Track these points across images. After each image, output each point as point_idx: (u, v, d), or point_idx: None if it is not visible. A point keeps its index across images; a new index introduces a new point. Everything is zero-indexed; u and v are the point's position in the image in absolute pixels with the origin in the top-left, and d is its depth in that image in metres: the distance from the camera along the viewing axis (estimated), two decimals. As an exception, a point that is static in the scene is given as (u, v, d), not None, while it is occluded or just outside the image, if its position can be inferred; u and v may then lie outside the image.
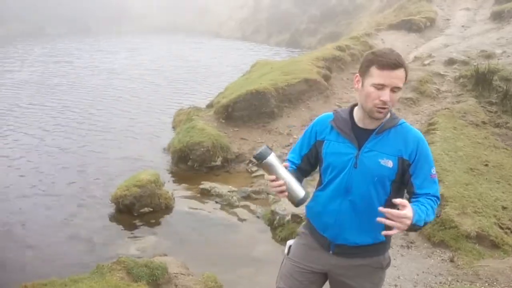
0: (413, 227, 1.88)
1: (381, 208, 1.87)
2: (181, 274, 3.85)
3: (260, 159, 2.03)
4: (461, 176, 5.62)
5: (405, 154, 2.07)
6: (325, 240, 2.25)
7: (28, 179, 7.18)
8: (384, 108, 1.98)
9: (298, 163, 2.33)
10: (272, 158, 2.03)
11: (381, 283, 2.34)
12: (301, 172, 2.33)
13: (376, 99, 1.98)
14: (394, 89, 1.95)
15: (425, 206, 1.98)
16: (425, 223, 1.94)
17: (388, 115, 2.06)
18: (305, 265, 2.33)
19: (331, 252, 2.24)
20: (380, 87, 1.96)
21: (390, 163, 2.07)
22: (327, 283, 2.39)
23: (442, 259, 4.47)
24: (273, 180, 2.03)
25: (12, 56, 21.64)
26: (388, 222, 1.83)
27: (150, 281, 3.55)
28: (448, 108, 7.79)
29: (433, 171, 2.09)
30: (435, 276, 4.22)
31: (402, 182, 2.11)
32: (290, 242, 2.47)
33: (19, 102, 12.27)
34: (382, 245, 2.20)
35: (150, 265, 3.64)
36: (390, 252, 4.63)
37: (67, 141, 9.01)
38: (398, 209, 1.84)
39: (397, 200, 1.87)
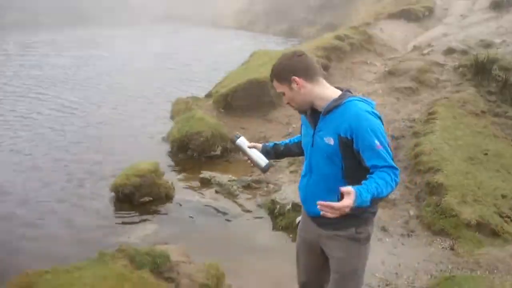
0: (358, 208, 2.13)
1: (318, 202, 2.11)
2: (183, 262, 3.85)
3: (233, 143, 2.84)
4: (460, 165, 5.64)
5: (342, 131, 2.26)
6: (306, 212, 2.62)
7: (25, 168, 7.16)
8: (291, 105, 2.48)
9: (292, 142, 2.85)
10: (240, 142, 2.78)
11: (361, 258, 2.55)
12: (297, 148, 2.76)
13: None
14: (281, 94, 2.45)
15: (376, 183, 2.16)
16: (379, 198, 2.18)
17: (337, 96, 2.34)
18: (304, 236, 2.71)
19: (314, 223, 2.56)
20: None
21: (331, 141, 2.32)
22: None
23: (443, 247, 4.51)
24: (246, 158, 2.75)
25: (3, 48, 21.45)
26: (328, 214, 2.10)
27: (152, 268, 3.55)
28: (447, 98, 7.79)
29: (377, 142, 2.21)
30: (436, 264, 4.26)
31: (355, 157, 2.30)
32: (299, 218, 2.94)
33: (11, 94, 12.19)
34: (351, 218, 2.32)
35: (152, 253, 3.64)
36: (390, 240, 4.63)
37: (64, 131, 8.95)
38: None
39: (343, 188, 2.11)
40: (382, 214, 5.15)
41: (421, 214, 5.01)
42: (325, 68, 9.62)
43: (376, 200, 2.18)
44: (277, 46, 21.38)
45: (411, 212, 5.15)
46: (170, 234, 5.08)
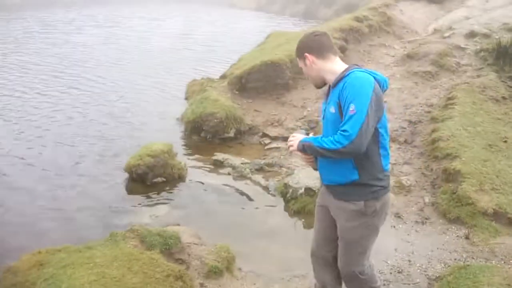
0: (303, 147, 2.56)
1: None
2: (194, 243, 3.85)
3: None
4: (479, 152, 5.51)
5: (340, 98, 2.46)
6: (322, 180, 2.81)
7: (41, 148, 7.23)
8: (310, 80, 2.76)
9: None
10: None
11: (366, 230, 2.66)
12: None
13: None
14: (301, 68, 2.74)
15: (322, 139, 2.49)
16: (316, 146, 2.48)
17: (343, 70, 2.56)
18: (320, 203, 2.92)
19: (327, 191, 2.76)
20: None
21: (333, 109, 2.53)
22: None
23: (458, 236, 4.43)
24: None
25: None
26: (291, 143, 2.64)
27: (163, 249, 3.55)
28: (467, 83, 7.58)
29: (352, 106, 2.37)
30: (450, 252, 4.18)
31: None
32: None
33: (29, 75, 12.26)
34: (358, 187, 2.56)
35: (163, 234, 3.64)
36: (404, 227, 4.57)
37: (79, 111, 9.00)
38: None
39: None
40: (396, 201, 5.08)
41: (437, 201, 4.92)
42: (342, 50, 9.43)
43: (316, 148, 2.49)
44: (294, 27, 21.09)
45: (426, 199, 5.06)
46: (182, 216, 5.08)
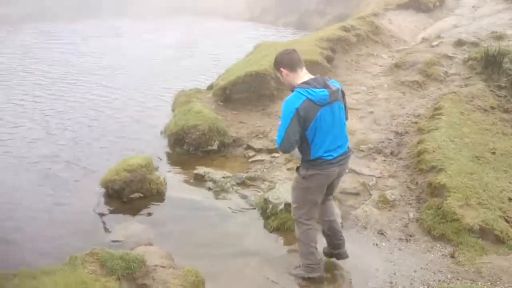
0: None
1: None
2: (161, 266, 3.62)
3: None
4: (466, 164, 5.33)
5: None
6: None
7: (12, 159, 7.11)
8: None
9: None
10: None
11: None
12: None
13: None
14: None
15: None
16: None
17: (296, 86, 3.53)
18: None
19: None
20: None
21: None
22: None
23: (443, 254, 4.24)
24: None
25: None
26: None
27: (125, 274, 3.33)
28: (455, 92, 7.43)
29: (279, 122, 3.49)
30: (434, 273, 3.99)
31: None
32: None
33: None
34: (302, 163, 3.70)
35: (126, 257, 3.42)
36: (387, 245, 4.37)
37: (61, 120, 8.83)
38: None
39: None
40: (380, 216, 4.89)
41: (421, 217, 4.72)
42: (329, 60, 9.30)
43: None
44: (284, 37, 20.97)
45: (411, 215, 4.87)
46: (156, 234, 4.86)
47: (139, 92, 11.25)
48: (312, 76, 3.52)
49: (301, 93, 3.36)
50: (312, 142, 3.49)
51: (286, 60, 3.50)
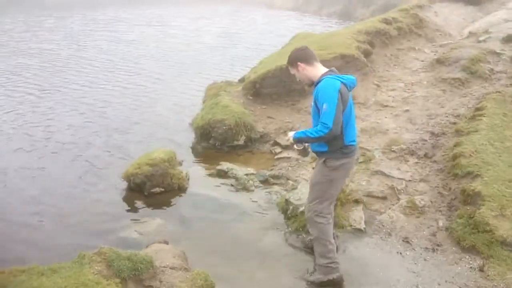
0: (296, 140, 3.65)
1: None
2: (170, 268, 3.53)
3: None
4: (505, 171, 4.92)
5: (315, 98, 3.52)
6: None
7: (36, 148, 7.28)
8: (302, 81, 3.89)
9: None
10: None
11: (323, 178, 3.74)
12: None
13: None
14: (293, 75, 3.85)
15: (308, 130, 3.54)
16: (305, 137, 3.56)
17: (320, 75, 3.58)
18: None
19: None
20: None
21: (312, 103, 3.63)
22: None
23: (471, 267, 3.92)
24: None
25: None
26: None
27: (131, 275, 3.25)
28: (500, 91, 6.92)
29: (324, 106, 3.38)
30: (460, 287, 3.68)
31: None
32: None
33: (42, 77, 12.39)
34: (323, 153, 3.68)
35: (133, 258, 3.33)
36: (411, 255, 4.10)
37: (98, 108, 9.04)
38: None
39: (290, 132, 3.79)
40: (406, 223, 4.60)
41: (451, 226, 4.39)
42: (366, 54, 8.91)
43: (306, 139, 3.57)
44: (329, 28, 20.48)
45: (440, 223, 4.54)
46: (173, 231, 4.78)
47: (178, 82, 11.37)
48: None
49: (334, 78, 3.43)
50: (346, 127, 3.53)
51: (302, 55, 3.63)
